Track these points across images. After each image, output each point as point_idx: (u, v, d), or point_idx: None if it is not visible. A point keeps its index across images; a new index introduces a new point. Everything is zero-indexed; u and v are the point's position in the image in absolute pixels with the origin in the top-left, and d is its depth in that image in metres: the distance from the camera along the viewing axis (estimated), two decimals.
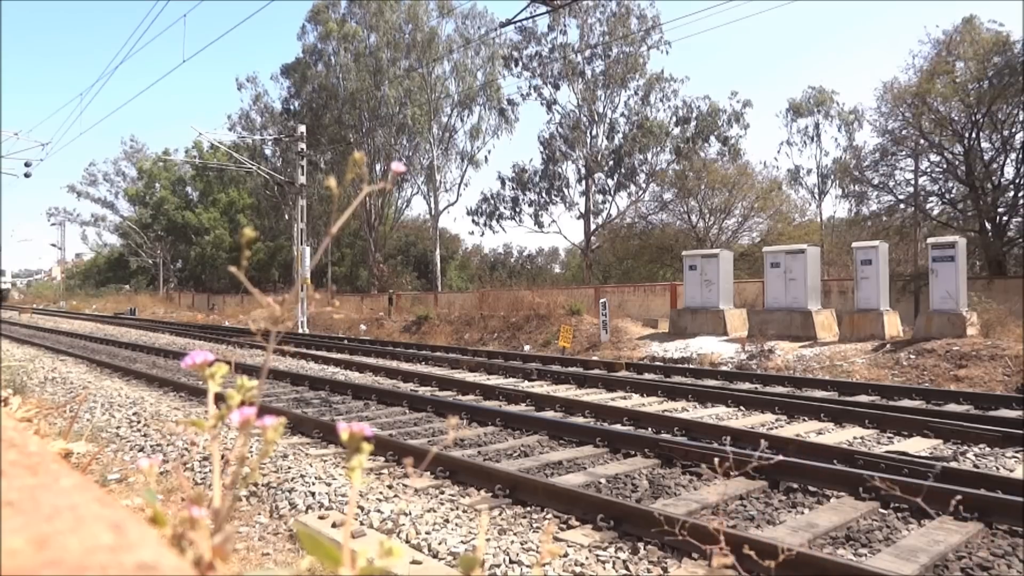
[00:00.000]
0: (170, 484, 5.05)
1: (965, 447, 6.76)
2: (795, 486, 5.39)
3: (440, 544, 4.26)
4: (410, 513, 4.78)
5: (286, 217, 42.10)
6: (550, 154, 38.61)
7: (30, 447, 0.69)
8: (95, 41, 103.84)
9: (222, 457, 0.75)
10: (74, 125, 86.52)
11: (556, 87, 37.56)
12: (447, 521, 4.68)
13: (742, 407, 8.88)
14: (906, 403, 9.00)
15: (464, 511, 4.90)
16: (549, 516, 4.80)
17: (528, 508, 4.97)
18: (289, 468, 5.94)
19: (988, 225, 23.41)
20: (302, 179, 25.45)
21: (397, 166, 0.83)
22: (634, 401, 9.58)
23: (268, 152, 44.66)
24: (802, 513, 4.85)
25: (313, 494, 5.27)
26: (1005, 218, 23.64)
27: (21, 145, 56.25)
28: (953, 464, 5.96)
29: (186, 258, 54.98)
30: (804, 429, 7.60)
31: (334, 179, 0.74)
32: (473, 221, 40.96)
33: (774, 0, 27.36)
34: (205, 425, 0.72)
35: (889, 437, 7.26)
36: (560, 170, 38.56)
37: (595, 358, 14.73)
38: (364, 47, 38.98)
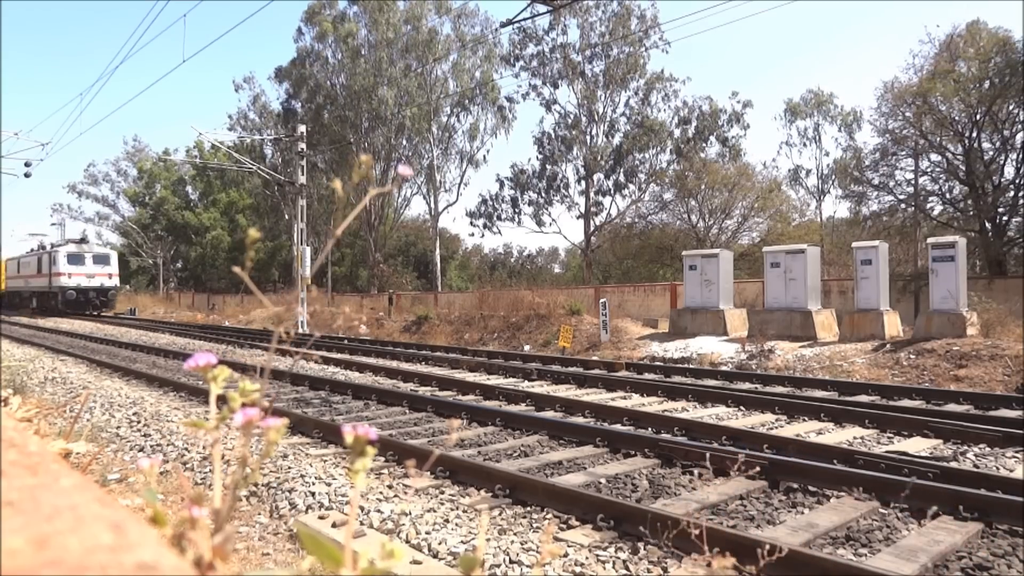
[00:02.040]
0: (170, 484, 5.06)
1: (965, 447, 6.76)
2: (795, 486, 5.39)
3: (440, 544, 4.26)
4: (410, 513, 4.77)
5: (286, 217, 42.13)
6: (547, 154, 38.65)
7: (30, 447, 0.69)
8: (95, 41, 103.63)
9: (222, 457, 0.75)
10: (74, 125, 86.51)
11: (555, 86, 37.62)
12: (447, 521, 4.68)
13: (742, 407, 8.88)
14: (906, 403, 8.99)
15: (464, 511, 4.90)
16: (549, 516, 4.80)
17: (528, 508, 4.97)
18: (289, 468, 5.94)
19: (988, 225, 23.43)
20: (302, 179, 25.45)
21: (404, 170, 0.82)
22: (634, 401, 9.58)
23: (268, 152, 44.69)
24: (802, 513, 4.85)
25: (313, 494, 5.27)
26: (1005, 218, 23.66)
27: (21, 145, 56.27)
28: (953, 464, 5.96)
29: (186, 258, 55.01)
30: (804, 429, 7.60)
31: (339, 181, 0.73)
32: (472, 223, 41.04)
33: (774, 0, 27.36)
34: (207, 426, 0.72)
35: (889, 437, 7.26)
36: (559, 170, 38.62)
37: (595, 358, 14.73)
38: (362, 47, 39.00)
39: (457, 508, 4.96)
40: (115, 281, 35.55)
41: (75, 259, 33.97)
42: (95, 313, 34.76)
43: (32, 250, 42.04)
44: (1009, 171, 23.58)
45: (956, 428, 7.13)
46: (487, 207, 40.34)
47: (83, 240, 37.50)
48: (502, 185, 40.07)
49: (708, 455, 5.73)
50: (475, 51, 39.57)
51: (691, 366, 13.05)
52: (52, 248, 35.69)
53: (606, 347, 16.44)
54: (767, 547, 2.99)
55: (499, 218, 40.15)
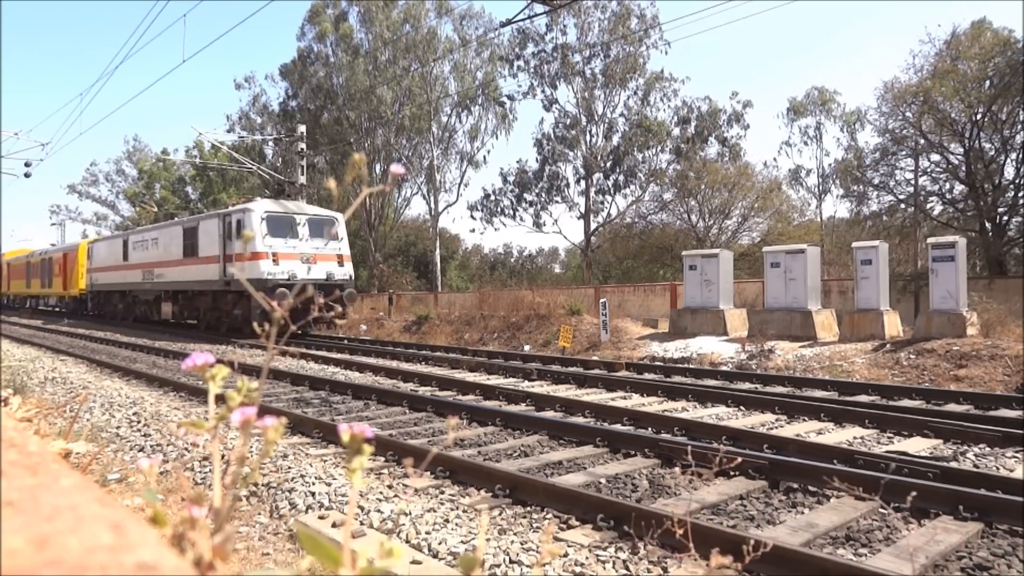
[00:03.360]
0: (170, 484, 5.05)
1: (965, 447, 6.76)
2: (795, 486, 5.39)
3: (440, 544, 4.26)
4: (410, 513, 4.78)
5: None
6: (546, 155, 38.72)
7: (30, 447, 0.69)
8: (95, 41, 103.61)
9: (222, 457, 0.75)
10: (74, 125, 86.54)
11: (554, 87, 37.65)
12: (447, 521, 4.68)
13: (742, 407, 8.88)
14: (906, 403, 8.99)
15: (464, 511, 4.90)
16: (549, 516, 4.80)
17: (528, 508, 4.97)
18: (289, 468, 5.94)
19: (988, 225, 23.44)
20: (302, 179, 25.45)
21: (397, 168, 0.83)
22: (634, 401, 9.58)
23: (268, 152, 44.69)
24: (802, 513, 4.85)
25: (313, 494, 5.27)
26: (1005, 218, 23.67)
27: (21, 145, 56.33)
28: (953, 464, 5.96)
29: None
30: (804, 429, 7.60)
31: (334, 180, 0.74)
32: (472, 216, 41.15)
33: (774, 0, 27.39)
34: (206, 426, 0.72)
35: (889, 437, 7.26)
36: (559, 170, 38.67)
37: (595, 358, 14.73)
38: (362, 47, 38.99)
39: (457, 508, 4.96)
40: (348, 269, 19.62)
41: (280, 226, 18.47)
42: (315, 331, 20.56)
43: (129, 225, 26.41)
44: (1009, 171, 23.61)
45: (956, 428, 7.13)
46: (489, 202, 40.50)
47: (281, 192, 21.19)
48: (505, 180, 40.27)
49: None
50: (479, 53, 39.55)
51: (691, 366, 13.05)
52: (234, 209, 19.76)
53: (606, 347, 16.44)
54: (751, 543, 2.99)
55: (501, 212, 40.35)
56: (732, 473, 5.44)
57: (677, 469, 5.96)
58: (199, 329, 21.92)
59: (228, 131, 44.50)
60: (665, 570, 3.90)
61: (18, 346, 18.27)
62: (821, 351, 13.38)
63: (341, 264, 19.46)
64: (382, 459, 6.19)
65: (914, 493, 4.53)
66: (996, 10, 64.12)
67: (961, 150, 23.98)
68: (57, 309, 35.58)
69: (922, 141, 24.33)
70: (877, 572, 3.46)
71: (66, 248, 34.77)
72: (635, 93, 37.22)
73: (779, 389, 10.28)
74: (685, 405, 9.21)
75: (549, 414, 8.36)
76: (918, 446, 6.77)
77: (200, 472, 6.02)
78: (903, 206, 25.83)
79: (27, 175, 32.21)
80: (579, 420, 8.02)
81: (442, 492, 5.36)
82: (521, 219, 40.28)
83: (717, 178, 33.27)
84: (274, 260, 18.14)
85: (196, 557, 0.61)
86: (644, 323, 19.01)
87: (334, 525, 4.61)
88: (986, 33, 23.67)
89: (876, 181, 26.54)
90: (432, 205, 40.55)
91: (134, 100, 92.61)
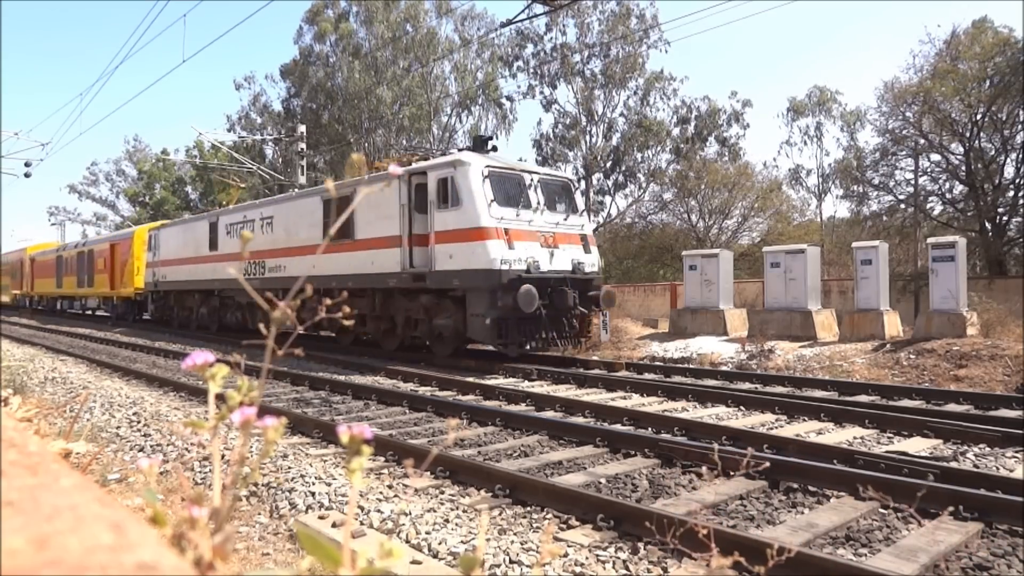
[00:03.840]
0: (170, 484, 5.05)
1: (965, 447, 6.76)
2: (795, 486, 5.39)
3: (440, 544, 4.26)
4: (410, 513, 4.77)
5: None
6: (545, 156, 38.74)
7: (30, 447, 0.70)
8: (95, 41, 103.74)
9: (222, 457, 0.75)
10: (74, 125, 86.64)
11: (553, 87, 37.67)
12: (447, 521, 4.68)
13: (742, 407, 8.88)
14: (906, 403, 8.99)
15: (464, 511, 4.90)
16: (549, 516, 4.80)
17: (528, 508, 4.97)
18: (289, 468, 5.94)
19: (988, 225, 23.45)
20: (302, 179, 25.45)
21: (395, 169, 0.83)
22: (634, 401, 9.58)
23: (268, 152, 44.69)
24: (802, 513, 4.85)
25: (313, 494, 5.27)
26: (1005, 218, 23.70)
27: (21, 145, 56.32)
28: (953, 464, 5.96)
29: None
30: (804, 429, 7.60)
31: (331, 181, 0.74)
32: None
33: (774, 0, 27.36)
34: (206, 426, 0.72)
35: (889, 437, 7.26)
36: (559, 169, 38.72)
37: (595, 358, 14.72)
38: (362, 48, 39.00)
39: (457, 508, 4.96)
40: (596, 256, 14.01)
41: (508, 190, 12.69)
42: (553, 351, 13.55)
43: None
44: (1009, 171, 23.65)
45: (956, 428, 7.13)
46: None
47: (487, 141, 14.06)
48: None
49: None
50: (480, 53, 39.53)
51: (691, 366, 13.04)
52: (433, 164, 12.95)
53: (606, 347, 16.43)
54: (776, 547, 2.98)
55: None
56: (732, 473, 5.44)
57: (677, 469, 5.96)
58: (340, 343, 16.30)
59: (228, 131, 44.50)
60: (665, 570, 3.90)
61: (18, 346, 18.27)
62: (821, 351, 13.38)
63: (587, 250, 13.66)
64: (382, 459, 6.19)
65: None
66: (996, 10, 64.12)
67: (961, 150, 24.00)
68: (102, 311, 29.09)
69: (922, 141, 24.35)
70: (877, 572, 3.46)
71: (114, 238, 28.11)
72: (635, 93, 37.26)
73: (779, 389, 10.28)
74: (685, 405, 9.21)
75: (549, 414, 8.36)
76: (918, 446, 6.77)
77: (200, 472, 6.02)
78: (903, 206, 25.85)
79: (27, 175, 32.21)
80: (579, 420, 8.02)
81: (442, 492, 5.36)
82: None
83: (717, 178, 33.29)
84: (507, 244, 11.97)
85: (196, 557, 0.61)
86: (644, 323, 19.01)
87: (334, 525, 4.61)
88: (986, 33, 23.71)
89: (876, 181, 26.59)
90: None
91: (134, 100, 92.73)
